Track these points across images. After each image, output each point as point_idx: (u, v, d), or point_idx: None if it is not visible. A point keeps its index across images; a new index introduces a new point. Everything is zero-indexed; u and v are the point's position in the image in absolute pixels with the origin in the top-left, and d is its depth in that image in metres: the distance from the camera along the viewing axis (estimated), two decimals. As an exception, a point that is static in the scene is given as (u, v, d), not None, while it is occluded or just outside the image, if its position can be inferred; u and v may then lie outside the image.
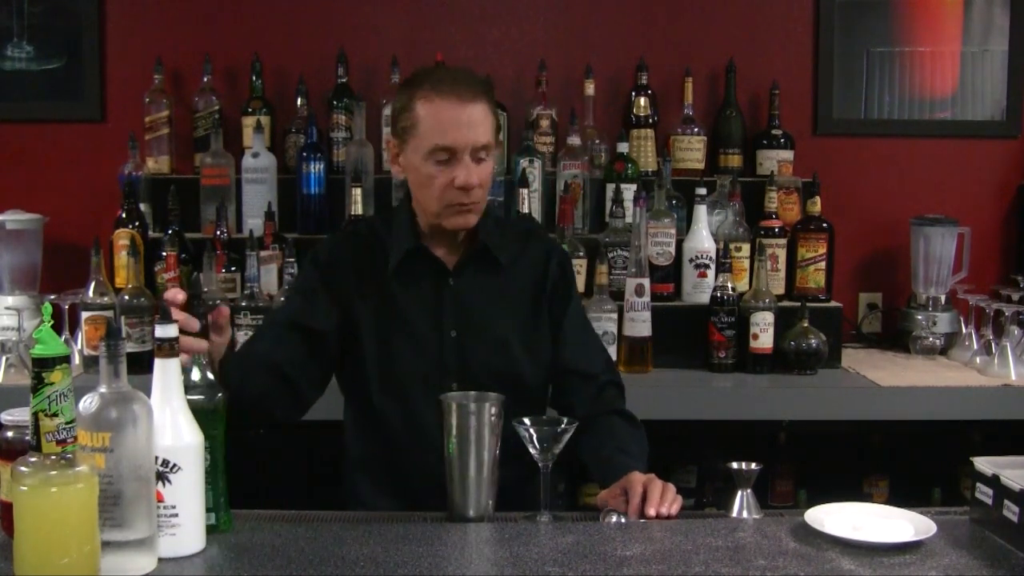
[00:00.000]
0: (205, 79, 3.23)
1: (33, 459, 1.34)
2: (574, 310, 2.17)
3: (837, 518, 1.63)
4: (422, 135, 1.95)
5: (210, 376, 1.61)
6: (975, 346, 3.09)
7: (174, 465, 1.49)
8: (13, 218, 3.05)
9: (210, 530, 1.57)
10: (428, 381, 2.00)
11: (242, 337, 2.83)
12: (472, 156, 1.95)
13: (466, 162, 1.94)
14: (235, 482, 2.02)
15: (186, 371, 1.57)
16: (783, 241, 3.09)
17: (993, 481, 1.61)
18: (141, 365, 2.19)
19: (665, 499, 1.74)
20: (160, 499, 1.48)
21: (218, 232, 2.97)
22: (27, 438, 1.38)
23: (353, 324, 2.05)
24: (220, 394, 1.60)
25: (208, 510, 1.56)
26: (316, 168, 3.09)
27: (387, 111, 3.22)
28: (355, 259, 2.08)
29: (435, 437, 1.76)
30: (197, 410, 1.54)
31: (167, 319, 1.52)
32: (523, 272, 2.11)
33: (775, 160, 3.29)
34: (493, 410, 1.71)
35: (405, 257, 2.05)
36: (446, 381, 2.01)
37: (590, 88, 3.24)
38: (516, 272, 2.11)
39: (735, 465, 1.77)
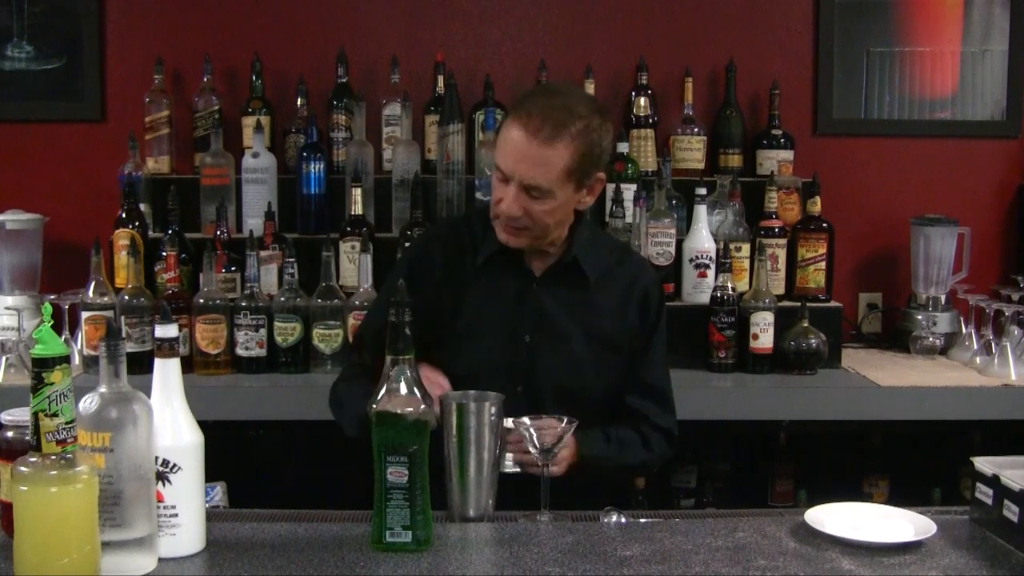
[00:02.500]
0: (205, 79, 3.23)
1: (33, 459, 1.34)
2: (658, 340, 2.17)
3: (837, 518, 1.63)
4: (497, 146, 1.99)
5: (416, 390, 1.54)
6: (975, 346, 3.09)
7: (174, 465, 1.49)
8: (13, 218, 3.05)
9: (401, 548, 1.52)
10: (496, 380, 1.97)
11: (241, 337, 2.84)
12: (523, 189, 1.95)
13: (513, 191, 1.95)
14: (236, 482, 2.02)
15: (393, 382, 1.53)
16: (783, 241, 3.09)
17: (993, 481, 1.61)
18: (141, 365, 2.20)
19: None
20: (160, 499, 1.48)
21: (218, 232, 2.97)
22: (27, 438, 1.38)
23: (435, 317, 2.04)
24: (424, 406, 1.54)
25: (404, 527, 1.52)
26: (316, 168, 3.09)
27: (387, 111, 3.23)
28: (445, 254, 2.11)
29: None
30: (396, 427, 1.51)
31: (167, 319, 1.52)
32: (610, 290, 2.12)
33: (775, 160, 3.29)
34: (493, 410, 1.72)
35: (492, 256, 2.07)
36: (512, 383, 2.02)
37: (590, 88, 3.23)
38: (603, 289, 2.11)
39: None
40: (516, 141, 1.93)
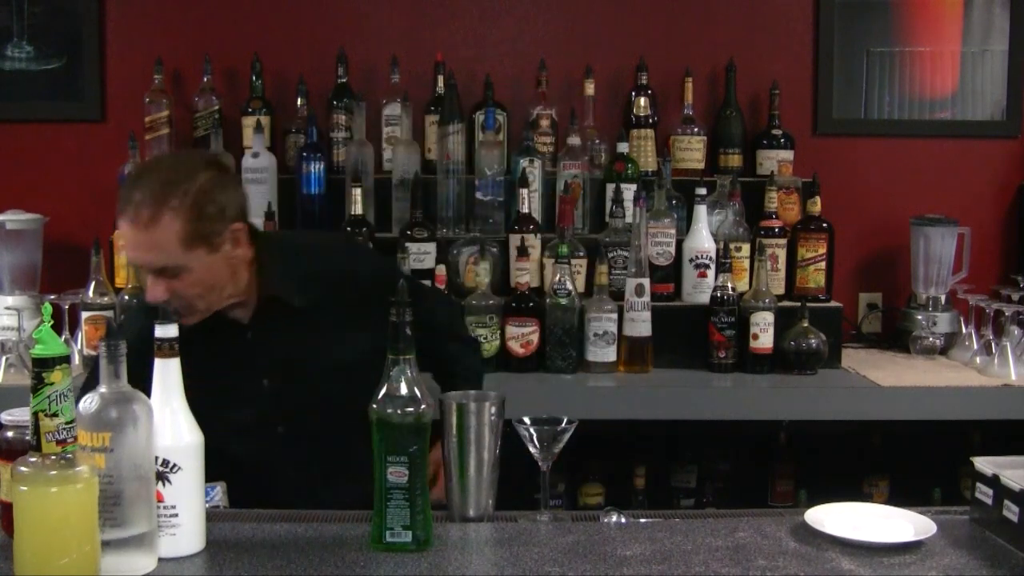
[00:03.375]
0: (205, 79, 3.23)
1: (33, 459, 1.34)
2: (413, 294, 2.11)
3: (837, 518, 1.63)
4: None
5: (416, 390, 1.53)
6: (975, 346, 3.09)
7: (174, 465, 1.49)
8: (13, 218, 3.05)
9: (401, 548, 1.52)
10: (254, 430, 1.96)
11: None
12: (154, 274, 1.90)
13: (148, 278, 1.92)
14: (235, 482, 2.02)
15: (393, 381, 1.52)
16: (783, 241, 3.09)
17: (993, 481, 1.61)
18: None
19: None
20: (160, 499, 1.48)
21: (218, 232, 2.96)
22: (27, 438, 1.38)
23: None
24: (423, 407, 1.52)
25: (404, 527, 1.52)
26: (316, 168, 3.09)
27: (387, 111, 3.23)
28: (142, 334, 1.78)
29: (269, 476, 1.85)
30: (396, 425, 1.51)
31: (167, 319, 1.52)
32: (329, 303, 2.05)
33: (775, 160, 3.29)
34: (493, 410, 1.71)
35: (193, 326, 1.95)
36: (271, 426, 2.02)
37: (590, 88, 3.24)
38: (321, 305, 2.04)
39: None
40: (125, 234, 1.90)
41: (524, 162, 3.09)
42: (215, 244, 1.91)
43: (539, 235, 3.02)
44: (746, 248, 3.07)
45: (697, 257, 3.04)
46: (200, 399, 1.89)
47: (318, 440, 2.04)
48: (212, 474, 1.81)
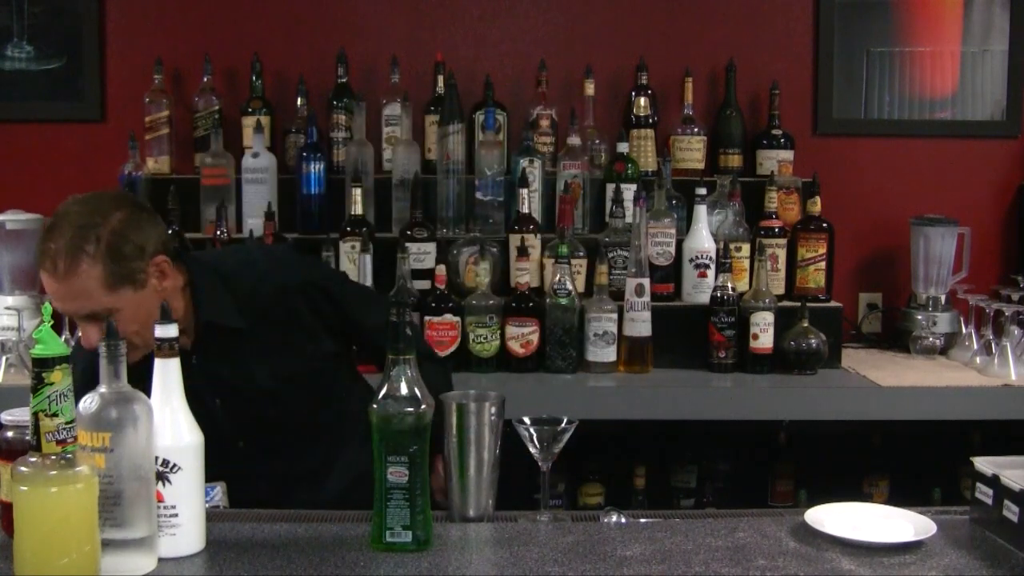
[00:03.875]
0: (205, 79, 3.23)
1: (33, 459, 1.34)
2: (344, 295, 2.13)
3: (837, 518, 1.63)
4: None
5: (416, 391, 1.53)
6: (975, 346, 3.09)
7: (174, 465, 1.49)
8: (13, 218, 3.05)
9: (401, 548, 1.52)
10: (215, 447, 1.90)
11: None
12: (88, 321, 1.88)
13: (83, 326, 1.91)
14: (236, 482, 2.02)
15: (394, 381, 1.53)
16: (783, 241, 3.09)
17: (993, 481, 1.61)
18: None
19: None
20: (160, 499, 1.48)
21: (218, 232, 2.97)
22: (27, 438, 1.38)
23: None
24: (423, 407, 1.52)
25: (404, 527, 1.52)
26: (316, 168, 3.09)
27: (387, 111, 3.23)
28: (83, 374, 1.75)
29: (238, 488, 1.85)
30: (396, 425, 1.51)
31: (167, 319, 1.52)
32: (269, 318, 2.04)
33: (775, 160, 3.29)
34: (493, 410, 1.71)
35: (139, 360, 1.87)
36: (233, 441, 2.03)
37: (590, 88, 3.24)
38: (261, 321, 2.04)
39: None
40: (49, 286, 1.86)
41: (524, 162, 3.09)
42: (140, 281, 1.89)
43: (539, 235, 3.02)
44: (746, 248, 3.07)
45: (697, 257, 3.04)
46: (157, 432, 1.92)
47: (280, 451, 2.07)
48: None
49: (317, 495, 2.04)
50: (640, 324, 2.91)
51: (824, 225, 3.11)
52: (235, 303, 2.03)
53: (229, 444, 2.00)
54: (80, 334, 1.95)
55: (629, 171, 3.12)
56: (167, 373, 1.52)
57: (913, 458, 3.15)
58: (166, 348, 1.51)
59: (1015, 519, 1.55)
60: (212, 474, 1.94)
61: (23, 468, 1.34)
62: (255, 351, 2.04)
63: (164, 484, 1.48)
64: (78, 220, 1.86)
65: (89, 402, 1.41)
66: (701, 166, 3.28)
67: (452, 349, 2.89)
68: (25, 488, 1.33)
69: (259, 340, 2.04)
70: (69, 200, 1.92)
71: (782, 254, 3.10)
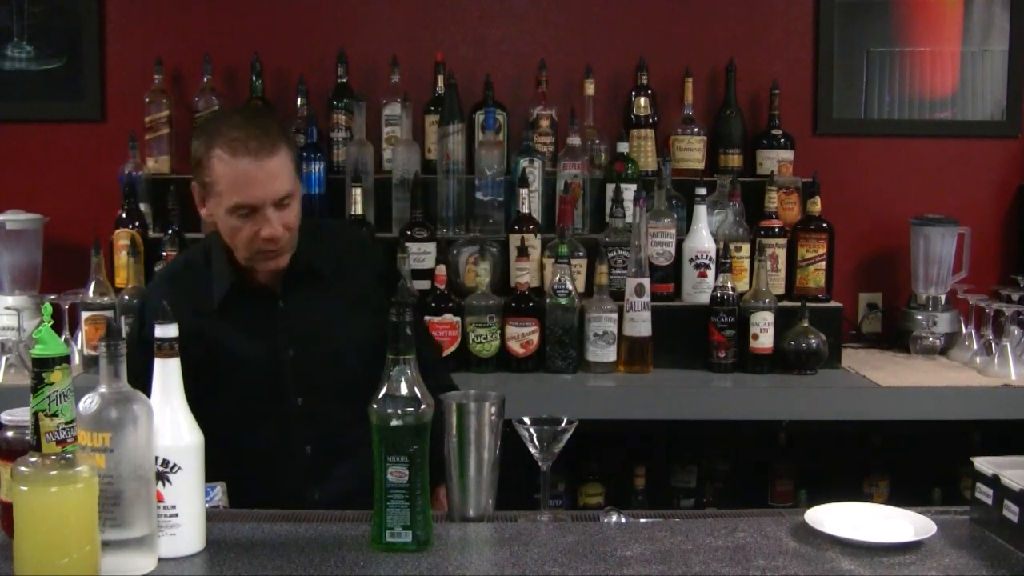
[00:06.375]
0: (205, 79, 3.23)
1: (33, 459, 1.34)
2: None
3: (837, 518, 1.63)
4: (222, 193, 1.95)
5: (416, 391, 1.54)
6: (975, 346, 3.09)
7: (174, 465, 1.49)
8: (13, 218, 3.05)
9: (401, 548, 1.52)
10: (271, 400, 2.00)
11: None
12: (274, 206, 1.96)
13: (268, 215, 1.96)
14: (236, 482, 2.02)
15: (394, 381, 1.53)
16: (783, 241, 3.09)
17: (993, 481, 1.61)
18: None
19: None
20: (160, 499, 1.48)
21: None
22: (27, 438, 1.38)
23: (188, 367, 1.93)
24: (423, 407, 1.53)
25: (404, 527, 1.52)
26: (316, 168, 3.09)
27: (387, 111, 3.23)
28: (177, 300, 1.91)
29: (292, 456, 1.85)
30: (396, 425, 1.51)
31: (167, 319, 1.52)
32: (349, 278, 2.13)
33: (775, 160, 3.29)
34: (493, 410, 1.71)
35: (228, 293, 2.07)
36: (291, 397, 2.05)
37: (590, 88, 3.24)
38: (342, 280, 2.13)
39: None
40: (247, 170, 1.92)
41: (524, 162, 3.09)
42: (299, 176, 2.05)
43: (539, 235, 3.02)
44: (746, 248, 3.07)
45: (697, 257, 3.04)
46: (229, 371, 2.02)
47: (331, 418, 2.07)
48: (227, 445, 1.85)
49: (351, 474, 2.01)
50: (640, 324, 2.91)
51: (824, 225, 3.11)
52: (328, 250, 2.12)
53: (289, 400, 2.03)
54: (261, 230, 1.97)
55: (629, 171, 3.12)
56: (167, 373, 1.52)
57: (913, 458, 3.15)
58: (166, 348, 1.51)
59: (1015, 519, 1.55)
60: (261, 433, 2.01)
61: (23, 468, 1.34)
62: (335, 310, 2.11)
63: (164, 484, 1.48)
64: (251, 114, 2.03)
65: (89, 402, 1.41)
66: (701, 166, 3.27)
67: (452, 349, 2.90)
68: (25, 488, 1.33)
69: (341, 300, 2.11)
70: (218, 108, 2.09)
71: (782, 254, 3.10)
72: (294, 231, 2.02)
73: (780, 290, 3.09)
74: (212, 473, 2.01)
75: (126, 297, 2.81)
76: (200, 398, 1.92)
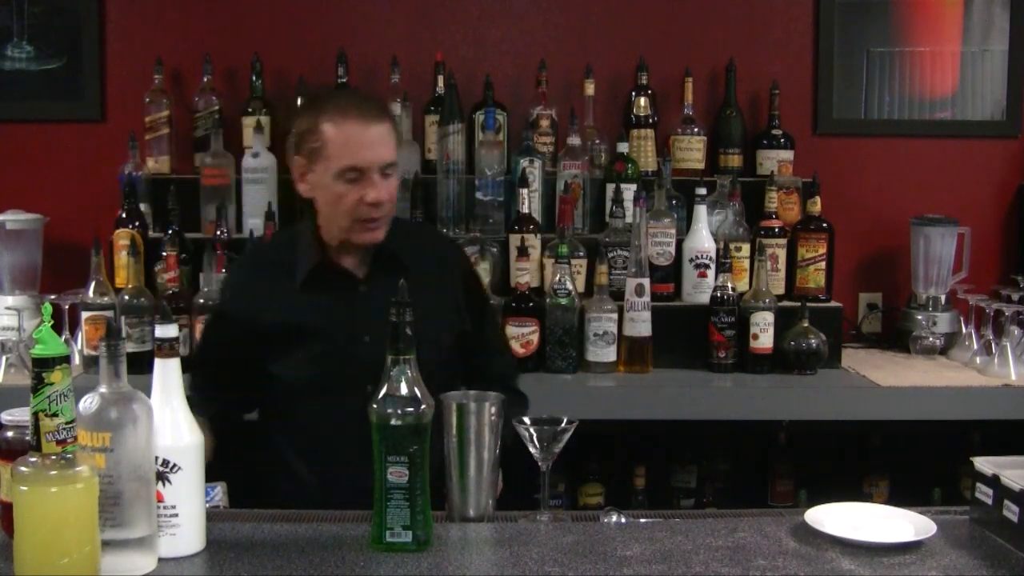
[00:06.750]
0: (205, 79, 3.23)
1: (33, 459, 1.34)
2: (488, 306, 2.31)
3: (837, 518, 1.63)
4: (331, 156, 2.02)
5: (416, 391, 1.54)
6: (975, 346, 3.09)
7: (174, 465, 1.49)
8: (13, 218, 3.05)
9: (401, 548, 1.52)
10: (346, 384, 2.02)
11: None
12: (380, 173, 2.03)
13: (375, 180, 2.02)
14: (236, 482, 2.02)
15: (394, 381, 1.54)
16: (783, 241, 3.09)
17: (993, 481, 1.61)
18: (141, 365, 2.20)
19: None
20: (160, 499, 1.48)
21: (218, 232, 2.97)
22: (27, 438, 1.38)
23: (269, 337, 2.09)
24: (423, 407, 1.53)
25: (404, 527, 1.52)
26: (316, 168, 3.08)
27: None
28: (259, 280, 2.14)
29: (354, 441, 1.81)
30: (396, 425, 1.51)
31: (167, 319, 1.52)
32: (428, 272, 2.15)
33: (775, 160, 3.29)
34: (493, 410, 1.71)
35: (312, 272, 2.11)
36: (362, 383, 2.01)
37: (590, 88, 3.24)
38: (422, 273, 2.13)
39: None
40: (358, 133, 2.01)
41: (524, 162, 3.09)
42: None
43: (539, 235, 3.02)
44: (746, 248, 3.07)
45: (697, 257, 3.04)
46: (307, 351, 2.08)
47: None
48: (291, 419, 1.86)
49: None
50: (640, 324, 2.91)
51: (824, 225, 3.11)
52: (413, 243, 2.18)
53: (358, 384, 2.01)
54: (365, 193, 2.03)
55: (629, 171, 3.12)
56: (167, 373, 1.52)
57: (913, 458, 3.15)
58: (166, 348, 1.51)
59: (1015, 519, 1.55)
60: (324, 416, 2.05)
61: (23, 468, 1.34)
62: (415, 302, 2.10)
63: (164, 484, 1.48)
64: (373, 96, 2.16)
65: (89, 402, 1.41)
66: (701, 166, 3.27)
67: (452, 349, 2.90)
68: (25, 488, 1.33)
69: (422, 294, 2.10)
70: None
71: (782, 254, 3.10)
72: (393, 205, 2.08)
73: (780, 290, 3.09)
74: (274, 446, 2.05)
75: (126, 297, 2.81)
76: (273, 374, 1.93)
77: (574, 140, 3.13)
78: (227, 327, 2.16)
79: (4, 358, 2.77)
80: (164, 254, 2.88)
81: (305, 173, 2.08)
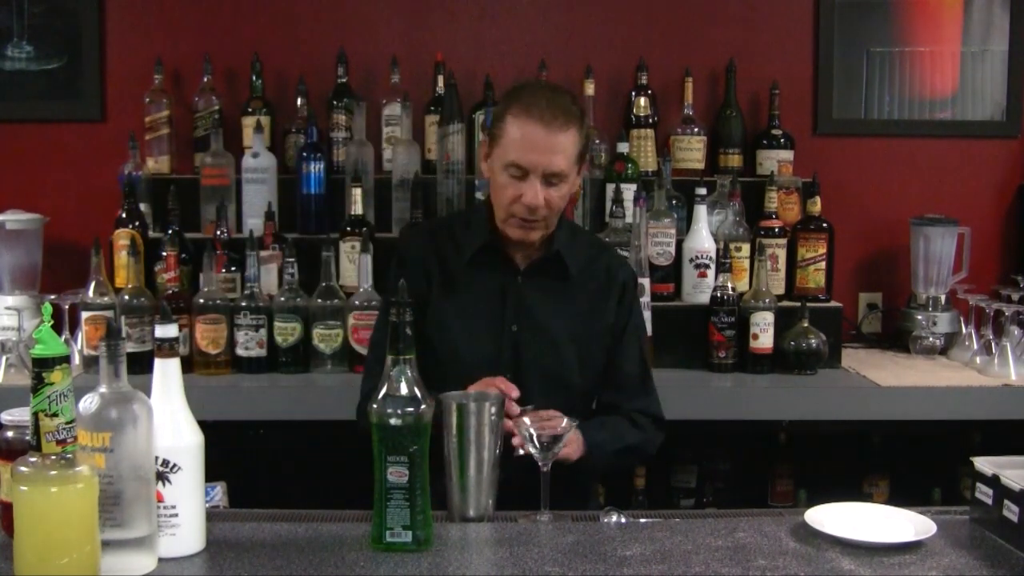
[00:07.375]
0: (205, 79, 3.23)
1: (33, 459, 1.35)
2: (632, 329, 2.25)
3: (837, 518, 1.63)
4: (504, 147, 2.06)
5: (416, 391, 1.54)
6: (975, 346, 3.09)
7: (174, 465, 1.49)
8: (13, 218, 3.05)
9: (401, 548, 1.53)
10: (484, 370, 2.04)
11: (241, 337, 2.84)
12: (543, 179, 2.04)
13: (536, 184, 2.04)
14: (235, 482, 2.02)
15: (394, 381, 1.54)
16: (783, 241, 3.09)
17: (993, 481, 1.61)
18: (141, 365, 2.20)
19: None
20: (160, 499, 1.48)
21: (218, 232, 2.97)
22: (27, 438, 1.38)
23: (427, 313, 2.13)
24: (423, 407, 1.54)
25: (404, 527, 1.53)
26: (316, 168, 3.09)
27: (387, 111, 3.23)
28: (429, 254, 2.19)
29: None
30: (396, 425, 1.52)
31: (167, 319, 1.52)
32: (589, 284, 2.20)
33: (775, 160, 3.29)
34: (493, 410, 1.72)
35: (478, 252, 2.15)
36: (500, 372, 2.07)
37: (590, 88, 3.23)
38: (582, 282, 2.19)
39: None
40: (533, 134, 2.02)
41: (524, 162, 3.08)
42: (580, 169, 2.14)
43: (539, 235, 3.02)
44: (746, 248, 3.07)
45: (697, 257, 3.04)
46: (451, 331, 2.13)
47: (528, 402, 2.03)
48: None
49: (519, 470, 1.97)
50: (640, 324, 2.91)
51: (824, 225, 3.11)
52: (580, 251, 2.20)
53: (498, 372, 2.05)
54: (523, 194, 2.04)
55: (629, 171, 3.12)
56: (167, 373, 1.52)
57: (913, 458, 3.15)
58: (166, 348, 1.51)
59: (1015, 519, 1.55)
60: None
61: (23, 468, 1.34)
62: (565, 300, 2.18)
63: (164, 484, 1.48)
64: (557, 91, 2.11)
65: (89, 402, 1.41)
66: (701, 166, 3.28)
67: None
68: (25, 488, 1.33)
69: (573, 295, 2.19)
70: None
71: (782, 254, 3.10)
72: (554, 213, 2.10)
73: (780, 290, 3.09)
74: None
75: (126, 297, 2.81)
76: (422, 346, 1.91)
77: (574, 140, 3.12)
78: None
79: (4, 358, 2.77)
80: (164, 254, 2.88)
81: (488, 154, 2.13)
